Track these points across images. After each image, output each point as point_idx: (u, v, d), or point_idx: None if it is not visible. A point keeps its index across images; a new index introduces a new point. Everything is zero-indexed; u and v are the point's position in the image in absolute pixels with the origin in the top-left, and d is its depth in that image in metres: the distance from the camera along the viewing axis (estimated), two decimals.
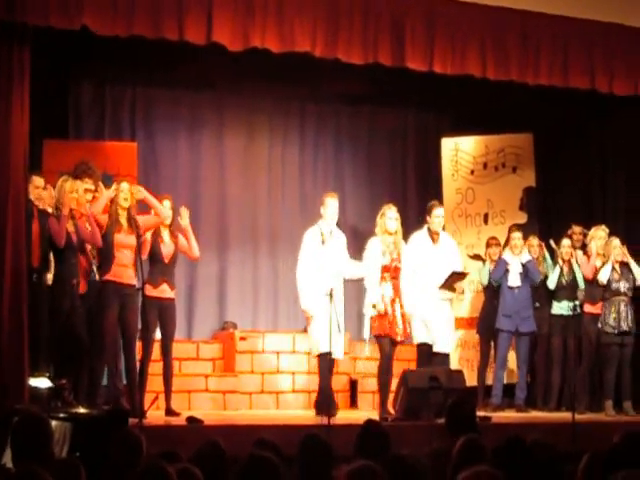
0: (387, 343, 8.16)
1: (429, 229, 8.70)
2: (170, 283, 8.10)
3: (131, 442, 4.15)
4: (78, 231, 7.59)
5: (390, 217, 8.28)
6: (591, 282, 9.36)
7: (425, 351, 8.56)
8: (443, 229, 8.95)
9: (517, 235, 9.52)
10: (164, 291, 8.03)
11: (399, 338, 8.22)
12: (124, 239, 7.76)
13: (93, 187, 8.00)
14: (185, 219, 8.15)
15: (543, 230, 10.43)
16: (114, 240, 7.73)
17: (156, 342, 8.08)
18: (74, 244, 7.58)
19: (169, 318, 8.09)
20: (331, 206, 8.44)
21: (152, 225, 8.03)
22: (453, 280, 8.64)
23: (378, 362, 8.28)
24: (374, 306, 8.12)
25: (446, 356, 8.68)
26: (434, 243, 8.68)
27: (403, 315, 8.23)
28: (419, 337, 8.56)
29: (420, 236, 8.68)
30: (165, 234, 8.11)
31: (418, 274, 8.45)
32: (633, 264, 9.22)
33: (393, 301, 8.19)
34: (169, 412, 7.88)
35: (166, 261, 8.07)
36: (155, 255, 8.04)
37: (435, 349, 8.53)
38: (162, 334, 8.07)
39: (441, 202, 10.61)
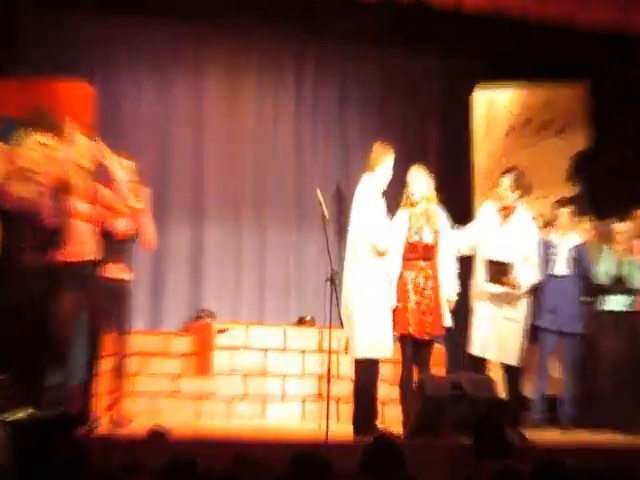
0: (410, 346, 8.09)
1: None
2: (126, 263, 8.09)
3: (80, 456, 4.14)
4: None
5: (416, 181, 8.19)
6: None
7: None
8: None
9: (565, 211, 9.46)
10: (118, 272, 8.03)
11: (425, 336, 8.14)
12: (83, 209, 7.73)
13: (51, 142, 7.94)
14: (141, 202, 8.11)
15: (596, 207, 10.38)
16: (70, 210, 7.69)
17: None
18: (22, 212, 7.56)
19: (123, 302, 8.07)
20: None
21: (110, 205, 7.97)
22: (495, 271, 8.48)
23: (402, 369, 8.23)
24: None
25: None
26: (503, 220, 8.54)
27: (436, 306, 8.13)
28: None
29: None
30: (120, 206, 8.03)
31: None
32: None
33: (423, 289, 8.12)
34: (118, 420, 7.89)
35: (121, 237, 8.05)
36: (107, 230, 8.00)
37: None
38: (114, 321, 8.03)
39: (469, 169, 10.62)
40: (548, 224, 9.67)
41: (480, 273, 8.35)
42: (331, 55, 10.94)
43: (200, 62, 10.50)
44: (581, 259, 9.35)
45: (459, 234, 8.34)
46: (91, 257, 7.79)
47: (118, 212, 7.98)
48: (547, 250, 9.31)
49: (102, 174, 7.94)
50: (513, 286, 8.25)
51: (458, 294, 8.16)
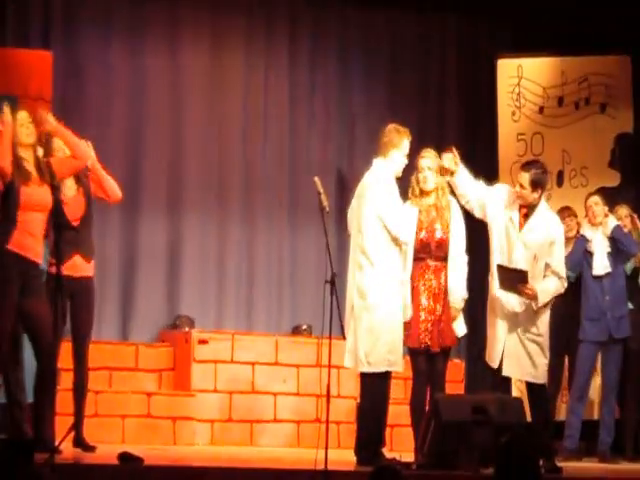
0: (422, 358, 8.08)
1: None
2: (84, 255, 8.05)
3: None
4: None
5: (429, 168, 8.16)
6: None
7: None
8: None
9: (595, 200, 9.43)
10: (76, 267, 7.99)
11: (442, 349, 8.12)
12: (35, 194, 7.69)
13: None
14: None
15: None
16: (20, 196, 7.65)
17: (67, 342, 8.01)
18: None
19: (84, 305, 8.03)
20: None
21: (70, 170, 7.93)
22: (507, 278, 8.47)
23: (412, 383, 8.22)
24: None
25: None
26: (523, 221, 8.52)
27: (449, 312, 8.13)
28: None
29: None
30: (69, 185, 8.02)
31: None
32: None
33: (436, 293, 8.10)
34: (80, 444, 7.85)
35: (74, 224, 8.02)
36: (59, 217, 7.94)
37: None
38: (73, 328, 8.00)
39: (494, 151, 10.59)
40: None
41: (495, 280, 8.33)
42: (331, 15, 10.94)
43: (178, 25, 10.46)
44: (622, 241, 9.31)
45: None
46: (40, 256, 7.76)
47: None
48: (581, 246, 9.31)
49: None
50: (529, 296, 8.25)
51: (466, 300, 8.17)
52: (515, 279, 8.17)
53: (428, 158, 8.10)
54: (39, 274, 7.77)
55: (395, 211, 7.86)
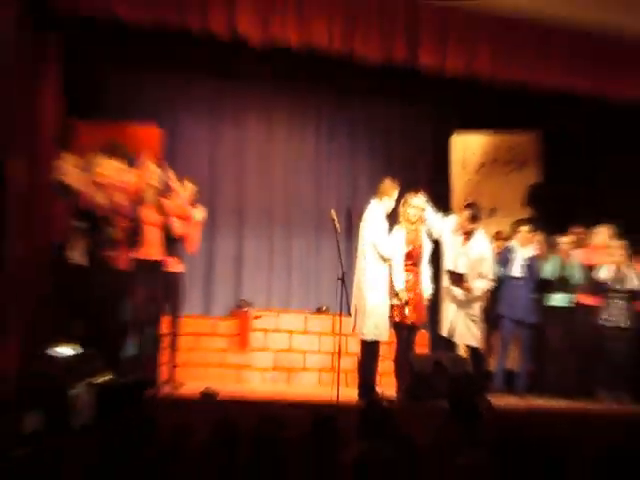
0: (405, 329, 8.09)
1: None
2: (179, 257, 8.06)
3: (147, 414, 4.12)
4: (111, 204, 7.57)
5: (412, 205, 8.22)
6: (589, 277, 9.27)
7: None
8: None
9: (526, 228, 9.42)
10: (173, 264, 7.99)
11: (418, 324, 8.15)
12: (151, 216, 7.75)
13: (125, 167, 7.92)
14: (199, 215, 8.10)
15: (547, 226, 10.32)
16: (142, 217, 7.71)
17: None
18: (106, 215, 7.56)
19: (178, 291, 8.04)
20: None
21: (176, 210, 7.97)
22: (454, 279, 8.52)
23: (396, 347, 8.21)
24: (397, 295, 8.04)
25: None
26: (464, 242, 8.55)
27: (421, 300, 8.14)
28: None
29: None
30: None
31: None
32: (628, 267, 9.13)
33: (413, 287, 8.12)
34: (175, 384, 7.90)
35: (177, 236, 8.03)
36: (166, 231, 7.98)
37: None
38: (170, 307, 7.99)
39: (450, 195, 10.59)
40: (507, 238, 9.64)
41: (446, 279, 8.41)
42: (342, 108, 10.83)
43: (243, 111, 10.41)
44: (533, 267, 9.33)
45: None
46: (158, 257, 7.81)
47: (179, 216, 8.01)
48: (507, 255, 9.30)
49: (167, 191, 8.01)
50: (468, 290, 8.30)
51: (432, 293, 8.24)
52: (458, 279, 8.24)
53: (412, 198, 8.18)
54: (156, 271, 7.84)
55: (382, 239, 7.89)
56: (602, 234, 9.35)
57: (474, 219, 8.45)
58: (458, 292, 8.34)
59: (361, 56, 7.74)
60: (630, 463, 3.37)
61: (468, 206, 8.57)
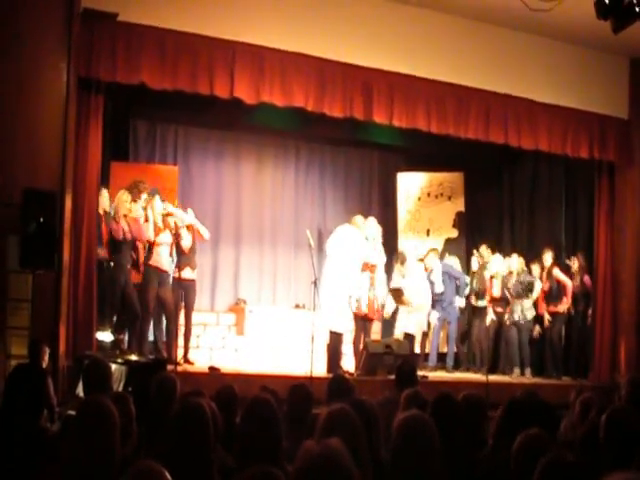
0: (362, 322, 8.18)
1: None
2: (191, 267, 8.07)
3: (168, 384, 4.14)
4: (131, 230, 7.62)
5: (368, 227, 8.31)
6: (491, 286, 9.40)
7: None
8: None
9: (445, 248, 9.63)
10: (187, 273, 8.02)
11: (374, 317, 8.33)
12: (162, 238, 7.81)
13: (144, 204, 7.93)
14: (190, 217, 8.16)
15: (468, 243, 10.46)
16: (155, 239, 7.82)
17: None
18: (127, 240, 7.61)
19: (190, 293, 8.07)
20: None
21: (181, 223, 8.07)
22: (395, 294, 8.77)
23: (354, 335, 8.28)
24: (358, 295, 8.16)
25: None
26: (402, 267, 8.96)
27: (375, 300, 8.28)
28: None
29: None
30: (184, 232, 8.09)
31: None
32: (527, 277, 9.23)
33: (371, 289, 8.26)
34: (187, 361, 7.89)
35: (186, 252, 8.06)
36: (178, 248, 8.06)
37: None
38: (185, 305, 8.03)
39: (396, 219, 10.68)
40: (441, 256, 9.73)
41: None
42: (316, 149, 10.85)
43: (239, 153, 10.39)
44: (453, 274, 9.42)
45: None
46: (167, 269, 7.84)
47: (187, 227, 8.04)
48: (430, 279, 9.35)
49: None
50: (407, 303, 8.55)
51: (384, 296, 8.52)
52: (400, 294, 8.52)
53: (368, 222, 8.33)
54: (167, 276, 7.87)
55: (369, 252, 8.21)
56: (497, 259, 9.44)
57: (403, 262, 8.93)
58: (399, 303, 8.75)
59: (329, 112, 7.81)
60: (522, 412, 3.50)
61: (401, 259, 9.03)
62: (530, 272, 9.27)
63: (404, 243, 9.50)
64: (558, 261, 9.42)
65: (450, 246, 10.16)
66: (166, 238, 7.85)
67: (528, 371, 9.12)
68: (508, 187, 10.93)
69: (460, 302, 9.38)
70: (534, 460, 2.52)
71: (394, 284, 8.64)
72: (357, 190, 11.07)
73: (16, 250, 5.90)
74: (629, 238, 9.09)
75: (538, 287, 9.14)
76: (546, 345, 9.27)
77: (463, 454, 3.32)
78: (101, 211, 7.51)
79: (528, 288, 9.10)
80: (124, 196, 7.61)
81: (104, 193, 7.61)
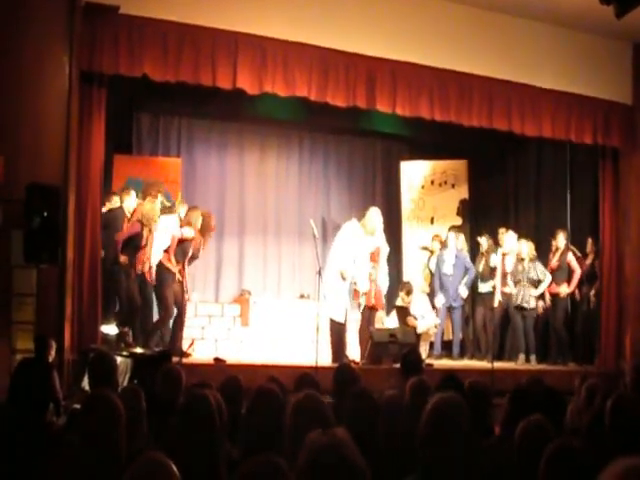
0: (367, 311, 8.17)
1: None
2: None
3: (174, 375, 4.14)
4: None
5: (372, 218, 8.26)
6: (503, 270, 9.34)
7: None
8: None
9: (452, 234, 9.51)
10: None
11: (378, 307, 8.31)
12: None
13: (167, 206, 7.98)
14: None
15: (472, 230, 10.42)
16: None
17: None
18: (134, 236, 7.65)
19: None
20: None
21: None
22: (404, 287, 8.88)
23: (360, 324, 8.28)
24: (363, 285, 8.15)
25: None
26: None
27: (380, 290, 8.26)
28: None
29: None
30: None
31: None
32: (530, 262, 9.13)
33: (374, 280, 8.22)
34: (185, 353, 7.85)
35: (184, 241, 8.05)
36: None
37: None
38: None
39: (399, 208, 10.65)
40: (444, 241, 9.69)
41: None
42: (318, 141, 10.83)
43: (242, 144, 10.41)
44: (464, 262, 9.39)
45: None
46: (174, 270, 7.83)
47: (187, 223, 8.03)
48: (442, 257, 9.35)
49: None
50: (411, 324, 8.68)
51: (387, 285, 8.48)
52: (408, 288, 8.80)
53: (371, 212, 8.23)
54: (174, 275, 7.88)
55: (356, 246, 8.06)
56: (511, 237, 9.40)
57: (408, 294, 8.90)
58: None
59: (332, 102, 7.77)
60: (528, 400, 3.49)
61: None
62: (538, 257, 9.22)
63: (407, 232, 9.45)
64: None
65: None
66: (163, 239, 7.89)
67: (533, 357, 9.09)
68: (512, 174, 10.87)
69: (464, 293, 9.35)
70: (537, 446, 2.51)
71: (399, 302, 8.76)
72: (361, 179, 11.06)
73: (20, 245, 5.89)
74: (634, 223, 9.05)
75: (546, 282, 9.07)
76: (551, 331, 9.24)
77: (469, 441, 3.30)
78: (127, 213, 7.52)
79: (534, 285, 9.07)
80: (155, 206, 7.65)
81: (132, 194, 7.62)
